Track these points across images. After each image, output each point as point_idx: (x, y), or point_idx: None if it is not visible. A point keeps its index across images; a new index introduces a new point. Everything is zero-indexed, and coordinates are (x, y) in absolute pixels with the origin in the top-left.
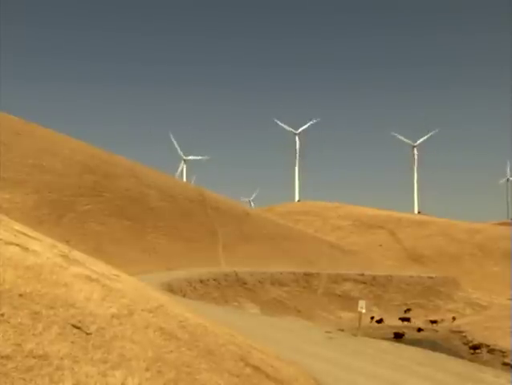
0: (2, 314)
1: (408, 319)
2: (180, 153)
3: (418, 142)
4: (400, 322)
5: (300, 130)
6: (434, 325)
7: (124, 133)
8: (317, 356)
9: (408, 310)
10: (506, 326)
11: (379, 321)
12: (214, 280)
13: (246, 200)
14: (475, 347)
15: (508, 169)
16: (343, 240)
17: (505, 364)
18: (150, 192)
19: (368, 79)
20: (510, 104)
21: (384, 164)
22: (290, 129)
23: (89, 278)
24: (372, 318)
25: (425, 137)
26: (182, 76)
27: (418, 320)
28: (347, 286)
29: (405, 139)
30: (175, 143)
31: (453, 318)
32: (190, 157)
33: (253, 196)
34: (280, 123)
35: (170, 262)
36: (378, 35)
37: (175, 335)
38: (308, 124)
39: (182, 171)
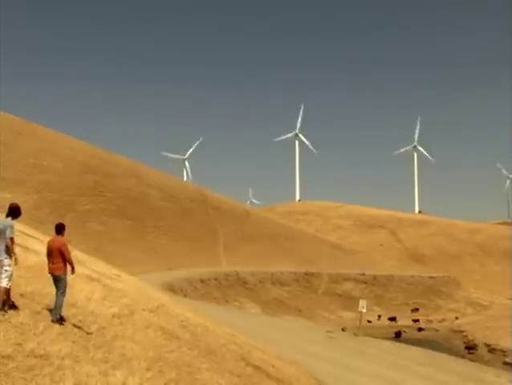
0: (3, 314)
1: (394, 319)
2: (180, 157)
3: (416, 137)
4: (403, 322)
5: (298, 126)
6: (417, 323)
7: (124, 133)
8: (318, 356)
9: (415, 310)
10: (507, 326)
11: (370, 321)
12: (215, 280)
13: (248, 201)
14: (470, 347)
15: (504, 170)
16: (344, 239)
17: (505, 363)
18: (151, 191)
19: (369, 78)
20: (510, 104)
21: (384, 163)
22: (291, 134)
23: (90, 278)
24: (379, 316)
25: (417, 130)
26: (182, 76)
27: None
28: (348, 286)
29: (405, 148)
30: (172, 156)
31: (456, 318)
32: (188, 153)
33: (250, 194)
34: (280, 138)
35: (171, 262)
36: (378, 35)
37: (176, 335)
38: (299, 118)
39: (187, 171)
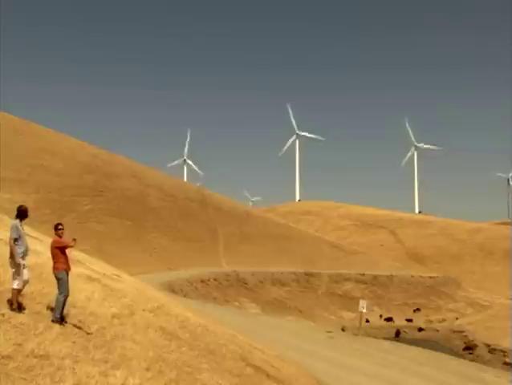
0: (3, 314)
1: (390, 319)
2: (180, 160)
3: (420, 145)
4: (402, 323)
5: (302, 134)
6: (410, 323)
7: (124, 133)
8: (318, 356)
9: (417, 310)
10: (507, 326)
11: (368, 320)
12: (215, 280)
13: (249, 196)
14: (469, 348)
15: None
16: (344, 240)
17: (505, 364)
18: (150, 191)
19: (369, 79)
20: (510, 104)
21: (384, 163)
22: (292, 138)
23: (90, 278)
24: (381, 316)
25: (429, 146)
26: (182, 77)
27: (419, 320)
28: (348, 286)
29: (408, 155)
30: (174, 163)
31: (456, 318)
32: (185, 151)
33: (246, 194)
34: (284, 149)
35: (171, 262)
36: (379, 36)
37: (176, 335)
38: (311, 136)
39: (190, 170)
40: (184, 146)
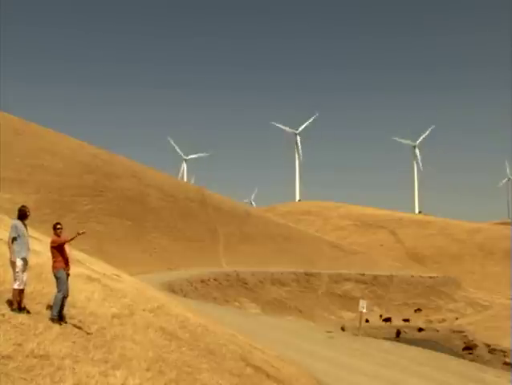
0: (3, 314)
1: (389, 319)
2: (181, 154)
3: (418, 141)
4: (401, 323)
5: (301, 129)
6: (407, 323)
7: (124, 133)
8: (318, 356)
9: (418, 310)
10: (507, 326)
11: (367, 320)
12: (215, 280)
13: (247, 200)
14: (469, 348)
15: (508, 169)
16: (344, 240)
17: (505, 364)
18: (150, 191)
19: (369, 79)
20: (510, 104)
21: (384, 163)
22: (291, 130)
23: (90, 278)
24: (381, 316)
25: (424, 135)
26: (182, 76)
27: (419, 320)
28: (348, 286)
29: (405, 141)
30: (175, 146)
31: (456, 318)
32: (191, 156)
33: (253, 195)
34: (279, 126)
35: (171, 262)
36: (379, 37)
37: (176, 335)
38: (308, 122)
39: (183, 171)
40: (177, 150)
